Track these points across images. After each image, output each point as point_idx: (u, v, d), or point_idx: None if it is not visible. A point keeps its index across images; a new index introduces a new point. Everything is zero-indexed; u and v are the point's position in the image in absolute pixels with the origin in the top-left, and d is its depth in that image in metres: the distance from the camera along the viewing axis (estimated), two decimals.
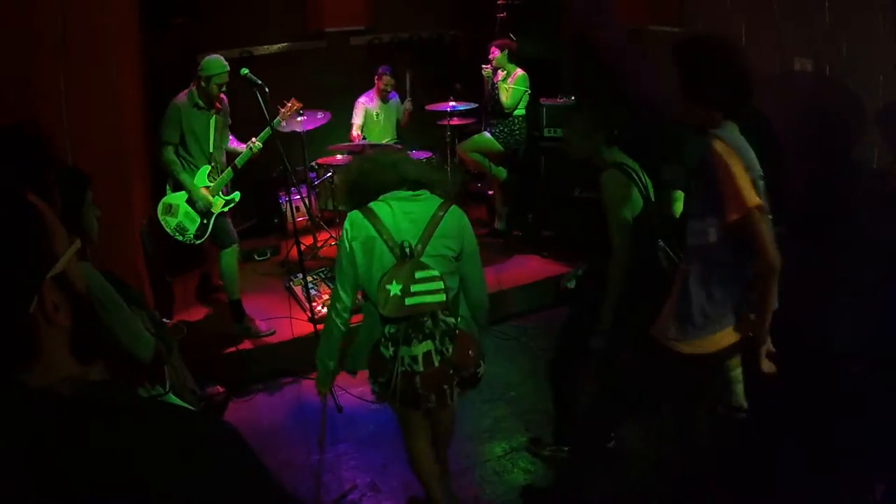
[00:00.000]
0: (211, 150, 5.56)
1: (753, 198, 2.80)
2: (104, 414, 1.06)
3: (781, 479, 3.94)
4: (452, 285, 3.23)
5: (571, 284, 4.91)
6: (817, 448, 4.05)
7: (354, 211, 3.24)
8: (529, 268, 6.82)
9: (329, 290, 6.17)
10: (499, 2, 7.53)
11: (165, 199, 5.49)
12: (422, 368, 3.10)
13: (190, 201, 5.48)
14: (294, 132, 6.86)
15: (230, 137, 5.84)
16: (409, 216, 3.21)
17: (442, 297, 3.11)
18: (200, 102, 5.40)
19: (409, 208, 3.22)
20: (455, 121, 7.61)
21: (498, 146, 7.31)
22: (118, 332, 2.49)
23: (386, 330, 3.15)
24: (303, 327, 5.63)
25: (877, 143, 4.46)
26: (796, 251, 3.64)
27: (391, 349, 3.13)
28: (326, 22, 7.95)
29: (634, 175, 3.72)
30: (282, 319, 5.83)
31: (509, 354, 5.63)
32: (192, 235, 5.50)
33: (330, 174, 7.48)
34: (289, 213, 6.37)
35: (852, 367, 4.30)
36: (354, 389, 4.97)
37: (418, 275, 3.09)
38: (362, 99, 7.76)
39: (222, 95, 5.56)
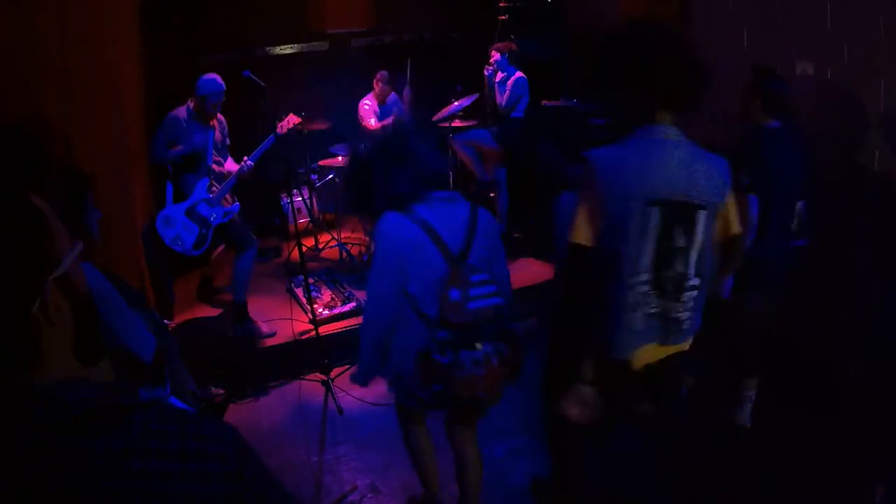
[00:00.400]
0: (209, 164, 5.57)
1: (577, 234, 2.68)
2: (105, 415, 1.06)
3: (781, 481, 3.94)
4: (498, 273, 3.21)
5: None
6: (817, 449, 4.05)
7: (394, 213, 3.08)
8: (530, 271, 6.80)
9: (330, 293, 6.18)
10: (500, 4, 7.53)
11: (164, 212, 5.51)
12: (484, 371, 3.05)
13: (189, 212, 5.49)
14: (294, 132, 6.86)
15: (229, 160, 5.85)
16: (453, 219, 3.12)
17: (500, 299, 3.10)
18: (198, 119, 5.44)
19: (451, 211, 3.13)
20: (457, 122, 7.61)
21: (492, 144, 7.30)
22: (119, 332, 2.49)
23: (438, 335, 3.06)
24: (304, 329, 5.63)
25: (878, 147, 4.46)
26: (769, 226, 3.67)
27: (448, 354, 3.04)
28: (328, 24, 7.94)
29: None
30: (283, 321, 5.83)
31: None
32: (191, 246, 5.51)
33: (331, 175, 7.48)
34: (290, 215, 6.38)
35: (853, 368, 4.31)
36: (355, 391, 4.97)
37: (474, 278, 3.05)
38: (364, 101, 7.77)
39: (220, 116, 5.60)
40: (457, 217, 3.13)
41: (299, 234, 5.62)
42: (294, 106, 6.12)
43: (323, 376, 5.17)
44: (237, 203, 5.77)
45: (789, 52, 4.87)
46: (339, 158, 7.40)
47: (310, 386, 5.27)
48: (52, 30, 3.94)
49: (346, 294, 6.15)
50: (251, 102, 5.02)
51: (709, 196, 2.62)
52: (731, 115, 4.03)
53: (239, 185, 5.80)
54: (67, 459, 1.00)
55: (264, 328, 5.76)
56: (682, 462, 3.95)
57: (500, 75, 7.35)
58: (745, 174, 3.60)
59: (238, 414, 4.96)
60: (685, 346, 2.86)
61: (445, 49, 8.92)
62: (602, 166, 2.61)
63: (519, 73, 7.24)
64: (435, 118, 7.58)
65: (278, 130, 5.69)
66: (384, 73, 7.68)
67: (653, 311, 2.70)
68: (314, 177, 7.64)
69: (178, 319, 6.03)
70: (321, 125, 7.27)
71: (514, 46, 7.35)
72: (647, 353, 2.81)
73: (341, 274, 6.69)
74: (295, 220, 5.66)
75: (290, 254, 7.16)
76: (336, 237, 7.27)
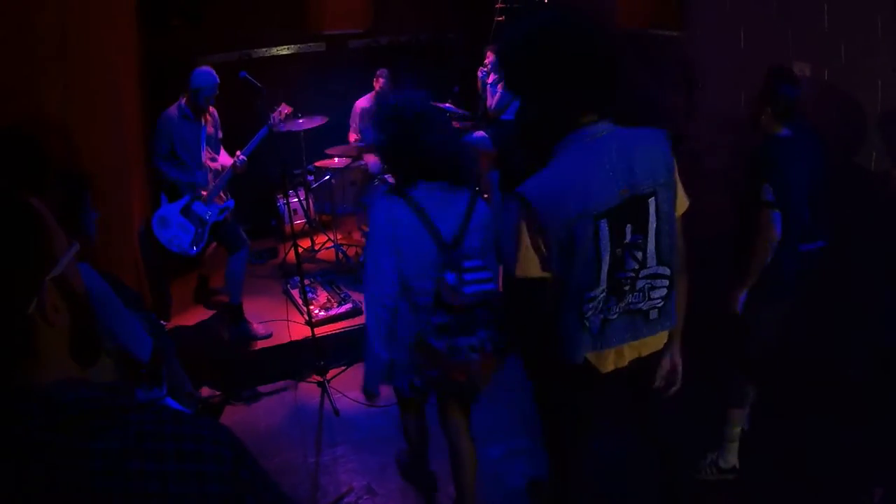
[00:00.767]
0: (203, 161, 5.57)
1: (525, 268, 2.49)
2: (102, 416, 1.06)
3: (780, 482, 3.94)
4: (492, 262, 3.28)
5: None
6: (816, 451, 4.05)
7: (391, 195, 3.17)
8: None
9: (326, 294, 6.17)
10: (497, 5, 7.53)
11: (159, 212, 5.49)
12: (479, 357, 3.12)
13: (184, 211, 5.48)
14: (291, 132, 6.86)
15: (222, 153, 5.83)
16: (449, 206, 3.19)
17: (494, 286, 3.16)
18: (190, 115, 5.42)
19: (448, 199, 3.20)
20: (455, 125, 7.60)
21: (488, 146, 7.29)
22: (116, 333, 2.49)
23: (433, 321, 3.13)
24: (300, 330, 5.62)
25: (875, 147, 4.46)
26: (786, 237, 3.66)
27: (444, 339, 3.11)
28: (325, 25, 7.93)
29: None
30: (279, 322, 5.83)
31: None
32: (187, 246, 5.50)
33: (328, 177, 7.48)
34: (287, 216, 6.37)
35: (851, 371, 4.31)
36: (351, 393, 4.96)
37: (467, 264, 3.12)
38: (361, 102, 7.76)
39: (212, 109, 5.59)
40: (454, 206, 3.20)
41: (295, 236, 5.61)
42: (292, 106, 6.12)
43: (319, 378, 5.17)
44: (231, 200, 5.75)
45: (786, 53, 4.87)
46: (335, 160, 7.40)
47: (306, 387, 5.26)
48: (51, 31, 3.93)
49: (342, 295, 6.15)
50: (248, 103, 5.01)
51: (655, 177, 2.46)
52: (731, 117, 4.01)
53: (234, 183, 5.79)
54: (64, 460, 0.99)
55: (260, 330, 5.75)
56: (679, 463, 3.95)
57: (492, 77, 7.34)
58: (766, 189, 3.51)
59: (234, 415, 4.95)
60: (660, 341, 2.78)
61: (442, 50, 8.92)
62: (538, 197, 2.40)
63: None
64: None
65: (271, 121, 5.68)
66: (385, 70, 7.66)
67: (613, 316, 2.57)
68: (310, 178, 7.63)
69: (175, 320, 6.03)
70: (317, 125, 7.26)
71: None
72: (621, 355, 2.69)
73: (338, 275, 6.69)
74: (291, 222, 5.65)
75: (286, 255, 7.15)
76: (332, 238, 7.26)
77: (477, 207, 3.24)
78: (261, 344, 5.66)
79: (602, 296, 2.50)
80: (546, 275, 2.48)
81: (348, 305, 5.95)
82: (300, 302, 5.93)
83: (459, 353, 3.10)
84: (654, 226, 2.48)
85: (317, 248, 7.50)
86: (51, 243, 1.10)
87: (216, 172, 5.67)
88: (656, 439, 3.29)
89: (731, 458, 4.00)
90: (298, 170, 7.38)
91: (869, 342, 4.21)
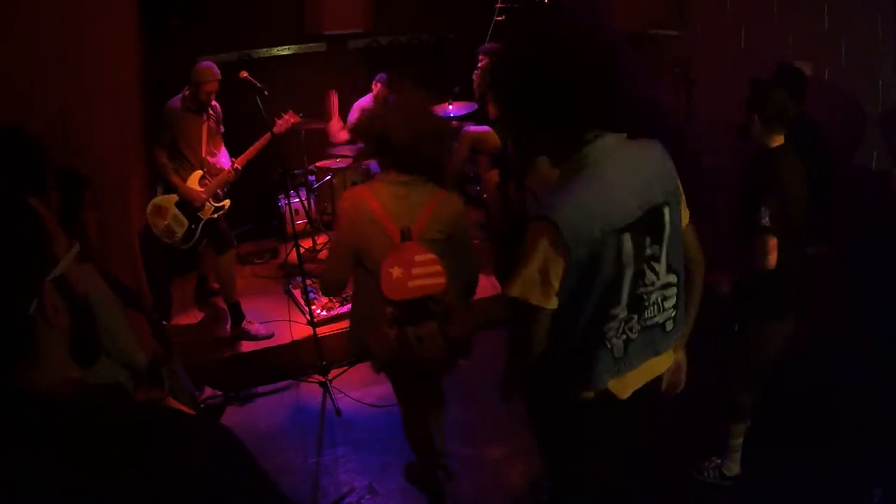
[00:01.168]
0: (203, 156, 5.56)
1: (530, 293, 2.29)
2: (102, 418, 1.06)
3: (780, 482, 3.94)
4: (448, 265, 3.33)
5: None
6: (815, 451, 4.05)
7: (351, 191, 3.37)
8: None
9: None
10: (497, 5, 7.50)
11: (156, 201, 5.50)
12: (427, 347, 3.32)
13: (179, 204, 5.48)
14: (292, 132, 6.85)
15: (222, 149, 5.83)
16: (406, 200, 3.30)
17: (442, 280, 3.28)
18: (192, 107, 5.43)
19: (405, 192, 3.30)
20: (454, 124, 7.59)
21: (497, 142, 7.23)
22: (116, 334, 2.49)
23: (388, 311, 3.30)
24: (302, 330, 5.62)
25: (876, 147, 4.46)
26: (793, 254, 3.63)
27: (395, 329, 3.30)
28: (325, 25, 7.93)
29: None
30: (280, 322, 5.82)
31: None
32: (179, 239, 5.51)
33: (329, 177, 7.47)
34: (288, 217, 6.37)
35: (852, 370, 4.31)
36: (353, 392, 4.97)
37: (418, 258, 3.23)
38: (360, 104, 7.74)
39: (214, 103, 5.59)
40: (412, 199, 3.30)
41: (297, 236, 5.61)
42: (291, 107, 6.11)
43: (321, 377, 5.17)
44: (227, 199, 5.74)
45: (787, 53, 4.87)
46: (337, 160, 7.39)
47: (307, 387, 5.26)
48: (51, 31, 3.93)
49: (343, 296, 6.14)
50: (248, 104, 5.00)
51: (665, 186, 2.39)
52: (731, 117, 3.97)
53: (234, 183, 5.79)
54: (64, 460, 0.99)
55: (262, 330, 5.75)
56: (679, 463, 3.96)
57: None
58: (763, 213, 3.35)
59: (235, 415, 4.95)
60: (673, 351, 2.65)
61: (442, 50, 8.92)
62: (565, 220, 2.21)
63: None
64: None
65: (275, 130, 5.68)
66: (383, 75, 7.65)
67: (634, 335, 2.44)
68: (311, 178, 7.62)
69: (176, 320, 6.03)
70: (318, 126, 7.26)
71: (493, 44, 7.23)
72: (641, 375, 2.55)
73: None
74: (293, 222, 5.65)
75: (287, 255, 7.14)
76: (333, 239, 7.24)
77: (443, 202, 3.36)
78: (262, 344, 5.66)
79: (623, 315, 2.37)
80: (542, 306, 2.30)
81: (350, 305, 5.93)
82: (302, 302, 5.93)
83: (408, 343, 3.31)
84: (668, 235, 2.40)
85: (318, 248, 7.49)
86: (51, 244, 1.11)
87: (215, 168, 5.65)
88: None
89: (735, 468, 3.99)
90: (299, 170, 7.37)
91: (870, 340, 4.21)
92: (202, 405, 4.54)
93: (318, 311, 5.80)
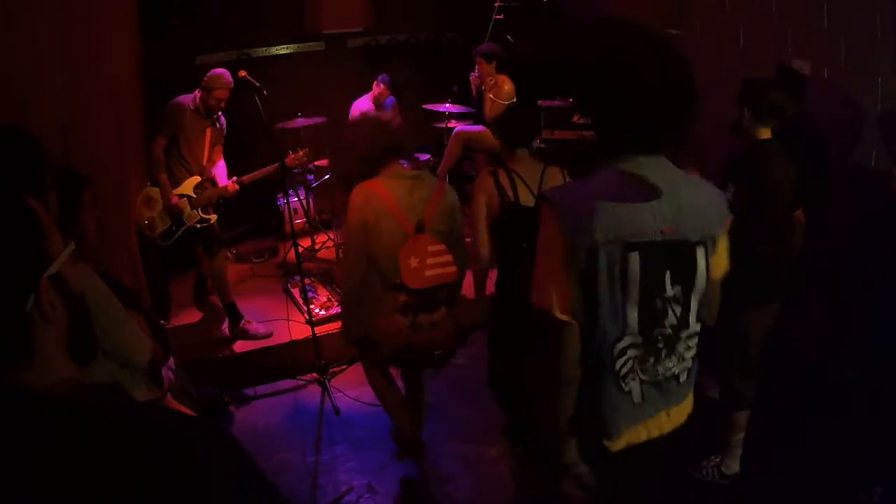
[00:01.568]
0: (203, 163, 5.56)
1: (550, 301, 2.07)
2: (99, 417, 1.06)
3: (779, 482, 3.94)
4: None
5: None
6: (815, 450, 4.05)
7: (364, 186, 3.46)
8: None
9: (327, 293, 6.17)
10: (496, 3, 7.50)
11: (150, 191, 5.49)
12: (439, 332, 3.54)
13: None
14: (290, 131, 6.86)
15: (221, 161, 5.82)
16: (416, 194, 3.48)
17: (454, 269, 3.52)
18: (201, 109, 5.43)
19: (415, 186, 3.49)
20: (452, 123, 7.60)
21: (494, 142, 7.22)
22: (115, 334, 2.49)
23: (401, 300, 3.47)
24: (300, 330, 5.61)
25: (875, 146, 4.46)
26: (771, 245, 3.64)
27: (410, 316, 3.49)
28: (324, 24, 7.94)
29: None
30: (279, 322, 5.82)
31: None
32: (157, 235, 5.50)
33: (328, 176, 7.47)
34: (287, 216, 6.37)
35: (851, 370, 4.31)
36: (351, 392, 4.96)
37: (431, 249, 3.43)
38: (359, 104, 7.73)
39: (220, 115, 5.59)
40: (422, 193, 3.50)
41: (295, 235, 5.60)
42: (290, 106, 6.11)
43: (319, 377, 5.17)
44: (215, 215, 5.70)
45: (786, 52, 4.87)
46: None
47: (306, 386, 5.26)
48: (50, 30, 3.93)
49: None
50: (247, 103, 5.00)
51: (707, 228, 2.13)
52: (731, 117, 3.98)
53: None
54: (60, 460, 0.99)
55: (261, 329, 5.76)
56: (678, 462, 3.95)
57: (488, 81, 7.24)
58: (727, 188, 3.40)
59: (234, 415, 4.95)
60: (685, 410, 2.35)
61: (441, 49, 8.92)
62: (564, 208, 2.05)
63: (507, 83, 7.05)
64: (427, 107, 7.68)
65: (287, 161, 5.69)
66: (385, 76, 7.63)
67: (651, 379, 2.18)
68: (310, 177, 7.62)
69: (175, 320, 6.02)
70: (317, 124, 7.25)
71: (495, 48, 7.18)
72: (644, 430, 2.25)
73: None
74: (291, 221, 5.65)
75: (286, 254, 7.14)
76: (332, 237, 7.25)
77: (443, 194, 3.56)
78: (261, 343, 5.66)
79: (634, 352, 2.12)
80: (564, 318, 2.08)
81: None
82: (300, 301, 5.93)
83: (422, 330, 3.51)
84: (702, 281, 2.15)
85: (317, 247, 7.50)
86: (46, 242, 1.11)
87: (210, 181, 5.65)
88: None
89: (734, 465, 3.99)
90: (298, 169, 7.37)
91: (868, 340, 4.21)
92: (201, 404, 4.54)
93: (317, 311, 5.81)
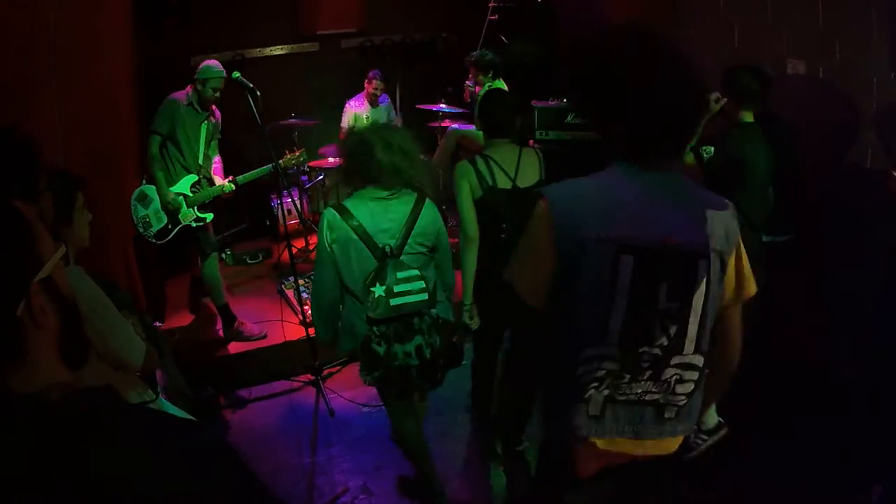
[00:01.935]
0: (200, 162, 5.53)
1: (519, 281, 2.12)
2: (92, 421, 1.05)
3: (780, 482, 3.94)
4: (430, 276, 3.40)
5: None
6: (814, 450, 4.05)
7: (331, 210, 3.34)
8: None
9: None
10: (490, 4, 7.50)
11: (144, 188, 5.44)
12: (416, 362, 3.34)
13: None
14: (284, 131, 6.85)
15: (217, 157, 5.80)
16: (387, 215, 3.33)
17: (425, 297, 3.32)
18: (195, 104, 5.40)
19: (386, 207, 3.34)
20: (446, 122, 7.59)
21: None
22: (108, 337, 2.47)
23: (375, 328, 3.32)
24: (295, 330, 5.61)
25: (870, 146, 4.46)
26: (791, 253, 3.64)
27: (384, 346, 3.31)
28: (319, 25, 7.95)
29: None
30: (273, 323, 5.81)
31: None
32: (153, 233, 5.44)
33: (321, 177, 7.47)
34: (280, 217, 6.36)
35: (849, 369, 4.31)
36: (346, 393, 4.95)
37: (400, 275, 3.26)
38: (351, 103, 7.73)
39: (215, 108, 5.56)
40: (394, 213, 3.34)
41: (289, 236, 5.60)
42: (284, 107, 6.11)
43: (314, 378, 5.16)
44: (211, 214, 5.68)
45: (781, 52, 4.87)
46: (329, 160, 7.38)
47: (301, 388, 5.25)
48: (46, 32, 3.92)
49: None
50: (241, 104, 4.99)
51: (713, 241, 1.98)
52: (727, 115, 4.05)
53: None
54: (55, 461, 0.98)
55: (255, 330, 5.75)
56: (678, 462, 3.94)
57: (478, 88, 7.20)
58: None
59: (229, 416, 4.93)
60: (667, 447, 2.19)
61: (436, 49, 8.92)
62: (558, 200, 2.00)
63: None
64: (421, 106, 7.64)
65: (282, 161, 5.67)
66: (377, 72, 7.63)
67: (622, 398, 2.05)
68: (304, 178, 7.62)
69: (170, 322, 6.02)
70: (311, 124, 7.25)
71: (490, 59, 7.02)
72: (608, 451, 2.13)
73: None
74: (285, 222, 5.64)
75: (280, 255, 7.14)
76: None
77: (422, 214, 3.39)
78: (255, 344, 5.66)
79: (609, 364, 2.00)
80: (536, 304, 2.09)
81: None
82: (294, 302, 5.92)
83: (396, 359, 3.34)
84: (703, 300, 1.99)
85: (311, 248, 7.48)
86: (36, 246, 1.10)
87: (207, 179, 5.63)
88: None
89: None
90: (293, 169, 7.37)
91: (867, 340, 4.21)
92: (196, 406, 4.53)
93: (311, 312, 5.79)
